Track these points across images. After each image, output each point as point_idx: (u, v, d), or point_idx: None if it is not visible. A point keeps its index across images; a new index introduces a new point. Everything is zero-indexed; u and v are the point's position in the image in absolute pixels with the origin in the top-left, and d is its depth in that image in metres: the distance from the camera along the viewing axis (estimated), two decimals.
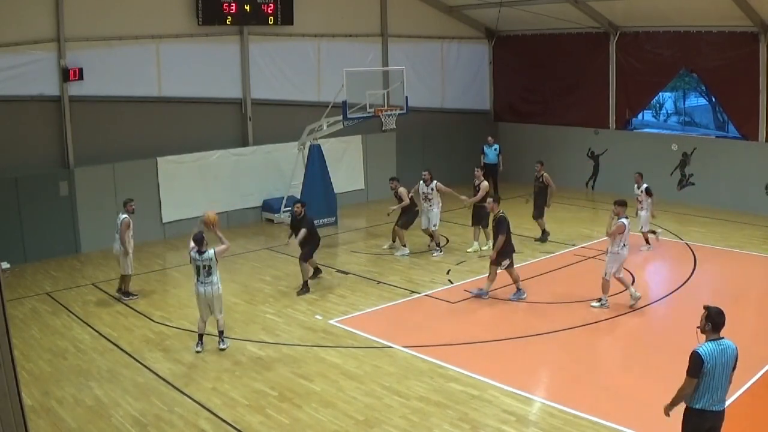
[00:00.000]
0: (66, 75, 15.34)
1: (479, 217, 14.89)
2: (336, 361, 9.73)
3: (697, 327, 5.99)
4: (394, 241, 15.39)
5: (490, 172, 19.34)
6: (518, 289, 12.14)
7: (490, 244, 15.03)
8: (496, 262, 11.95)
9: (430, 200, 14.89)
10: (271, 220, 18.22)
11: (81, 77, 15.54)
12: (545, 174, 15.80)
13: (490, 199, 12.57)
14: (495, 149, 19.93)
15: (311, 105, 18.83)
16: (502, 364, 9.57)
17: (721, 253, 14.64)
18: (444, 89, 22.59)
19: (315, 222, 17.41)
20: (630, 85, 20.38)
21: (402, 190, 14.83)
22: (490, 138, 20.42)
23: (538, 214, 15.87)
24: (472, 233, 15.22)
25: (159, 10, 16.67)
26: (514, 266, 12.18)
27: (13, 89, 14.89)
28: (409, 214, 14.86)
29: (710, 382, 5.82)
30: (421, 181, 15.01)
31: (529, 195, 16.18)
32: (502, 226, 11.89)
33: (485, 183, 15.08)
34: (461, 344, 10.19)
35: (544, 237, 15.79)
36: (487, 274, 12.23)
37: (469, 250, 15.09)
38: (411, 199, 14.79)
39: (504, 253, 11.94)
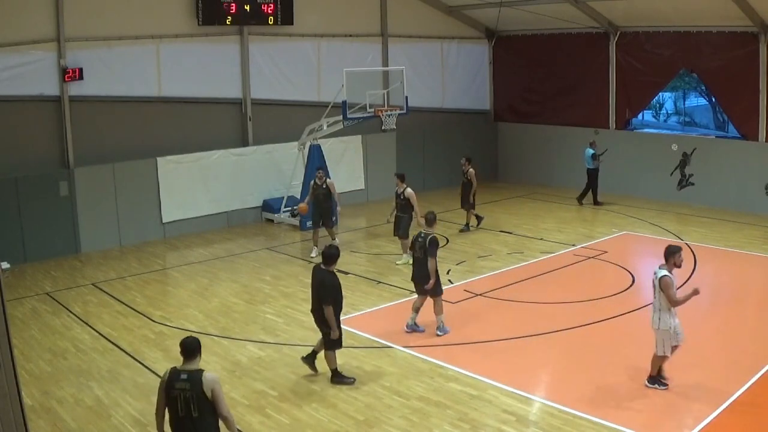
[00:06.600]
0: (66, 75, 15.34)
1: (398, 226, 14.14)
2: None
3: None
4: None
5: (592, 176, 18.88)
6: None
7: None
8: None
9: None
10: (271, 220, 18.21)
11: (81, 77, 15.54)
12: (471, 170, 16.29)
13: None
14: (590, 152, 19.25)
15: (311, 105, 18.80)
16: (502, 364, 9.55)
17: (721, 253, 14.62)
18: (444, 89, 22.56)
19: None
20: (630, 85, 20.35)
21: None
22: (593, 140, 19.30)
23: (466, 207, 16.52)
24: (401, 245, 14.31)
25: (159, 10, 16.66)
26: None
27: (13, 89, 14.87)
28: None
29: None
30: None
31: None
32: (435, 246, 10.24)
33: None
34: (461, 344, 10.19)
35: (467, 227, 16.57)
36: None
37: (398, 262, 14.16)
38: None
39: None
